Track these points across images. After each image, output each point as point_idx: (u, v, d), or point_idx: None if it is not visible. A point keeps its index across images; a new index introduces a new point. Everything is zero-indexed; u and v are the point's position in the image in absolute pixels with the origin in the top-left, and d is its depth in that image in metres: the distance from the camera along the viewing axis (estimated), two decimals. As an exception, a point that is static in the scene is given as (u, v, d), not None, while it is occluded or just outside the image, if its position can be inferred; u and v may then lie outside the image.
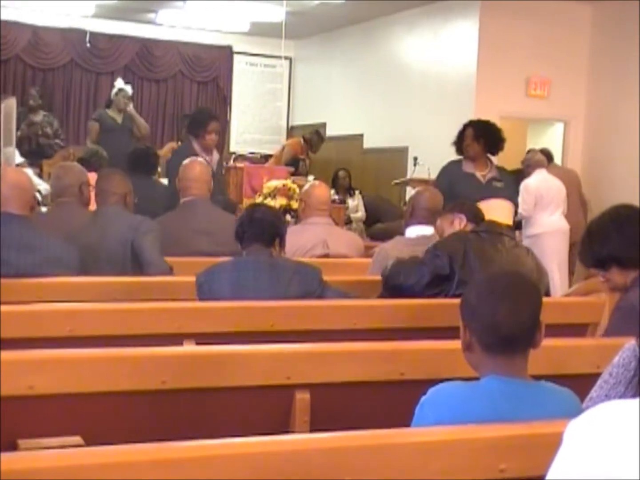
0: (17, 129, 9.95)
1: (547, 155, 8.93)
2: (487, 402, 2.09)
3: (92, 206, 4.83)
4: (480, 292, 2.18)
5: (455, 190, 5.87)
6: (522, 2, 9.77)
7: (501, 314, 2.11)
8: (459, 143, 6.32)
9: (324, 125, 12.76)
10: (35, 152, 9.91)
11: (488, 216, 5.35)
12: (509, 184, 6.39)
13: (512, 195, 6.35)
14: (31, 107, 10.42)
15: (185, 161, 5.33)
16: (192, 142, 6.42)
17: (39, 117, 10.43)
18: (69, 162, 6.61)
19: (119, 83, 10.43)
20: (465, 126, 6.37)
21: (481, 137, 6.24)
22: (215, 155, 6.58)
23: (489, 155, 6.38)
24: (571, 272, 8.15)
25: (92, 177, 4.97)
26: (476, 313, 2.15)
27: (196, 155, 6.12)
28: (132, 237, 4.31)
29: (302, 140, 11.00)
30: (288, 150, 10.78)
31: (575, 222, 7.91)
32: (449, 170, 6.29)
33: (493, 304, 2.13)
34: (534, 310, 2.15)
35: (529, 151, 8.63)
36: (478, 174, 6.18)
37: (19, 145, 9.67)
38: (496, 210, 5.60)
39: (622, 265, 3.10)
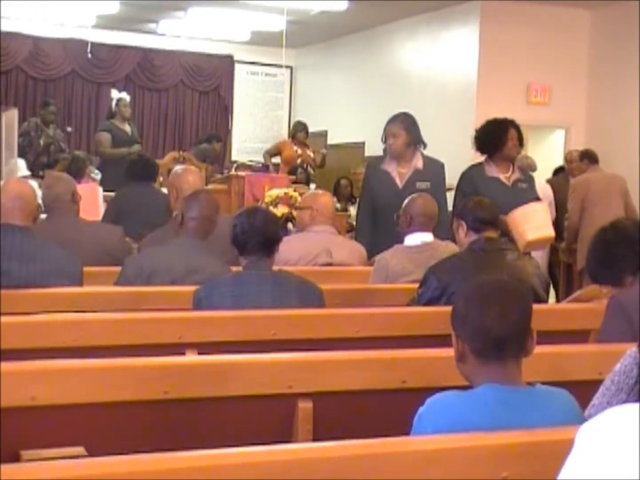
0: (33, 141, 9.96)
1: (590, 156, 8.35)
2: (484, 411, 2.09)
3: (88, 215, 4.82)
4: (468, 299, 2.19)
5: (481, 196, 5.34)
6: (522, 9, 9.80)
7: (490, 316, 2.11)
8: (499, 144, 5.68)
9: (325, 133, 12.77)
10: (53, 165, 9.86)
11: (528, 224, 5.26)
12: (532, 183, 5.92)
13: (537, 196, 5.84)
14: (47, 121, 10.34)
15: (178, 170, 5.18)
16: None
17: (52, 130, 10.36)
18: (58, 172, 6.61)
19: (116, 93, 10.46)
20: (507, 125, 5.76)
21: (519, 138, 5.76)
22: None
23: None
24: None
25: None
26: (466, 320, 2.16)
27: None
28: None
29: (289, 138, 10.93)
30: (284, 151, 10.66)
31: None
32: (472, 176, 5.73)
33: (482, 308, 2.13)
34: (523, 313, 2.15)
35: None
36: (502, 177, 5.69)
37: (37, 158, 9.68)
38: (535, 216, 5.39)
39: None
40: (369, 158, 10.37)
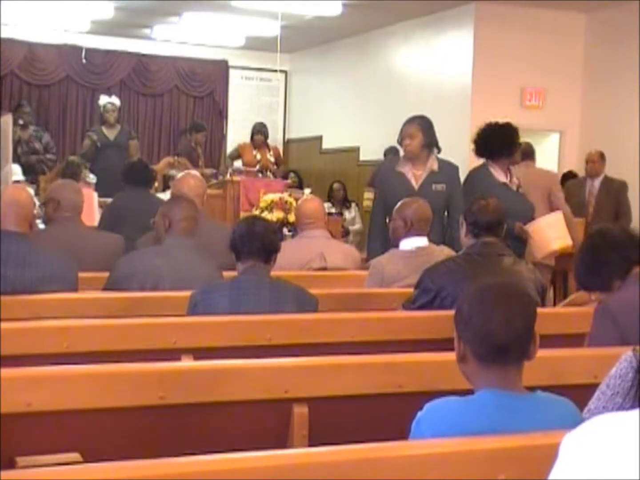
0: None
1: (523, 150, 7.08)
2: (482, 416, 2.08)
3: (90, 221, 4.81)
4: (473, 302, 2.16)
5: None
6: (517, 13, 9.81)
7: (494, 322, 2.09)
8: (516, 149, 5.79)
9: (320, 138, 12.78)
10: (23, 169, 9.78)
11: (553, 234, 5.33)
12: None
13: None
14: (21, 124, 10.29)
15: (179, 175, 5.26)
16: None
17: (27, 133, 10.28)
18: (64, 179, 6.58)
19: (104, 99, 10.51)
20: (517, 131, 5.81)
21: None
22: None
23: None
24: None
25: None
26: (469, 323, 2.14)
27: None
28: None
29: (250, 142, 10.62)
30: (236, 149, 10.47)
31: None
32: (484, 181, 5.59)
33: (486, 313, 2.11)
34: (527, 320, 2.14)
35: None
36: (509, 182, 5.66)
37: None
38: (558, 225, 5.42)
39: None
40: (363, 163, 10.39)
